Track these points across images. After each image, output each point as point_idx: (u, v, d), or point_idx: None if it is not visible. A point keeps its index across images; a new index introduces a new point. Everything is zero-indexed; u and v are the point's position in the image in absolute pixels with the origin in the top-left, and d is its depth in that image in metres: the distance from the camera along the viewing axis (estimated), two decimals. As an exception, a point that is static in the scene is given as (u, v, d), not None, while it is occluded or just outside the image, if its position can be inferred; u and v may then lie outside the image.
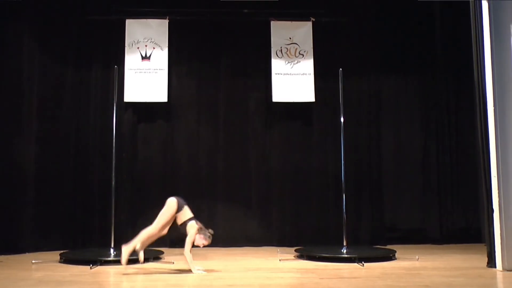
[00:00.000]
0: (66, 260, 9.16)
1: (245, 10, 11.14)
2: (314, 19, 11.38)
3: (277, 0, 10.68)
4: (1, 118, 10.42)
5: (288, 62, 11.31)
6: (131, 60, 11.06)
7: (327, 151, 11.42)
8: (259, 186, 11.40)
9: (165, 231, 8.47)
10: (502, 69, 8.43)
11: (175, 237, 9.17)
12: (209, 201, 11.13)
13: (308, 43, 11.36)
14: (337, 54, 11.41)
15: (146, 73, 11.05)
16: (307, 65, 11.29)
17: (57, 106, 10.99)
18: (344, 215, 9.91)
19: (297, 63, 11.31)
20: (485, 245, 9.00)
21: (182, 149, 11.40)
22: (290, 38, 11.38)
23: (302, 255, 9.61)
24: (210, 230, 8.34)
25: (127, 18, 11.12)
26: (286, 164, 11.39)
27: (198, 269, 8.23)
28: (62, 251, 9.65)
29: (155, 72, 11.07)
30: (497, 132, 8.36)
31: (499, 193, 8.28)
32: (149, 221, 10.95)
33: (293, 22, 11.41)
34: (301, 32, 11.39)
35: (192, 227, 8.26)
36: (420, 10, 11.58)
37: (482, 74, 8.67)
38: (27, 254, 10.07)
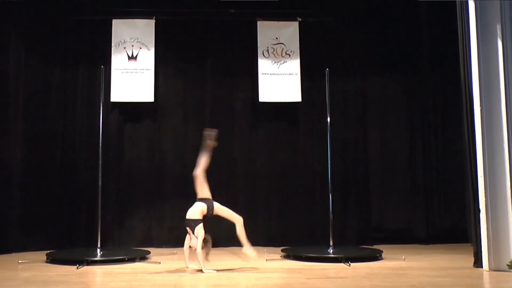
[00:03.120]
0: (52, 260, 9.13)
1: (232, 10, 11.13)
2: (300, 19, 11.38)
3: (264, 0, 10.68)
4: (-13, 118, 10.37)
5: (275, 62, 11.30)
6: (118, 60, 11.02)
7: (314, 151, 11.42)
8: (246, 186, 11.39)
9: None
10: (488, 69, 8.45)
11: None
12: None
13: (294, 43, 11.37)
14: (323, 54, 11.41)
15: (132, 73, 11.01)
16: (294, 65, 11.29)
17: (43, 106, 10.94)
18: (331, 215, 9.93)
19: (283, 63, 11.30)
20: (471, 245, 9.04)
21: (169, 149, 11.38)
22: (276, 38, 11.37)
23: (288, 255, 9.62)
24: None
25: (114, 18, 11.08)
26: (273, 164, 11.38)
27: (208, 270, 8.30)
28: (48, 251, 9.61)
29: (142, 72, 11.03)
30: (484, 132, 8.39)
31: (485, 193, 8.31)
32: (136, 220, 11.04)
33: (280, 22, 11.41)
34: (288, 32, 11.39)
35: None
36: (406, 10, 11.63)
37: (468, 74, 8.71)
38: (13, 254, 10.02)
